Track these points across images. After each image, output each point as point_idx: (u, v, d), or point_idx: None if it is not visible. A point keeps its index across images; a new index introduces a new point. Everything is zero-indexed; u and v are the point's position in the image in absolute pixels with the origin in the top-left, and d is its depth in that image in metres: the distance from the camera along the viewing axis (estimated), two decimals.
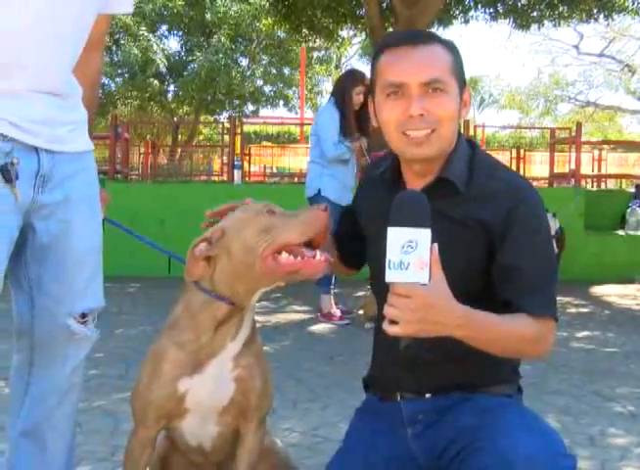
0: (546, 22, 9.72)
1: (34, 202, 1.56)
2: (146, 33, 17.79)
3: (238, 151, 10.09)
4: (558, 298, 1.53)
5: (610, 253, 8.08)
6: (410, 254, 1.23)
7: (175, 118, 21.19)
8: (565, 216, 7.53)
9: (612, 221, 8.99)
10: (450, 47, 1.53)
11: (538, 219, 1.53)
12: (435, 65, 1.49)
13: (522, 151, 12.33)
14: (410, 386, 1.62)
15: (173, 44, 31.83)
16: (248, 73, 19.18)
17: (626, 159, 15.61)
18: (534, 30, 10.53)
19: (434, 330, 1.30)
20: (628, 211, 8.90)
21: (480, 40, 61.82)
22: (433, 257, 1.25)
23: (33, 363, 1.69)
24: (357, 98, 4.97)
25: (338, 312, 5.29)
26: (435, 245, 1.25)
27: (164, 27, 19.33)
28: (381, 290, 1.40)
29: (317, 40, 11.80)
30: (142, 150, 12.90)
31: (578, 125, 9.43)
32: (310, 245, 1.52)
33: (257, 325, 1.69)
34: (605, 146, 14.81)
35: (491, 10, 9.48)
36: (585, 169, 11.57)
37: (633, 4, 9.27)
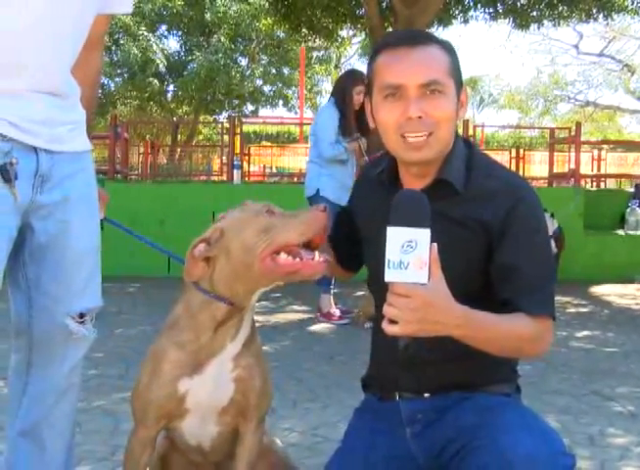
0: (546, 21, 9.70)
1: (33, 202, 1.56)
2: (145, 33, 17.78)
3: (237, 151, 10.10)
4: (557, 298, 1.53)
5: (609, 252, 8.09)
6: (410, 253, 1.23)
7: (175, 118, 21.16)
8: (564, 216, 7.53)
9: (611, 221, 9.00)
10: (447, 48, 1.53)
11: (537, 219, 1.54)
12: (434, 66, 1.48)
13: (521, 151, 12.36)
14: (409, 385, 1.62)
15: (173, 44, 31.75)
16: (247, 73, 19.17)
17: (626, 158, 15.62)
18: (534, 30, 10.51)
19: (433, 330, 1.30)
20: (628, 210, 8.90)
21: (479, 40, 61.79)
22: (432, 256, 1.25)
23: (31, 363, 1.69)
24: (357, 98, 4.95)
25: (337, 312, 5.29)
26: (435, 245, 1.25)
27: (164, 27, 19.31)
28: (379, 290, 1.40)
29: (317, 40, 11.77)
30: (141, 150, 12.92)
31: (578, 125, 9.43)
32: (309, 245, 1.52)
33: (257, 325, 1.69)
34: (604, 146, 14.81)
35: (491, 10, 9.46)
36: (585, 169, 11.57)
37: (633, 4, 9.25)
